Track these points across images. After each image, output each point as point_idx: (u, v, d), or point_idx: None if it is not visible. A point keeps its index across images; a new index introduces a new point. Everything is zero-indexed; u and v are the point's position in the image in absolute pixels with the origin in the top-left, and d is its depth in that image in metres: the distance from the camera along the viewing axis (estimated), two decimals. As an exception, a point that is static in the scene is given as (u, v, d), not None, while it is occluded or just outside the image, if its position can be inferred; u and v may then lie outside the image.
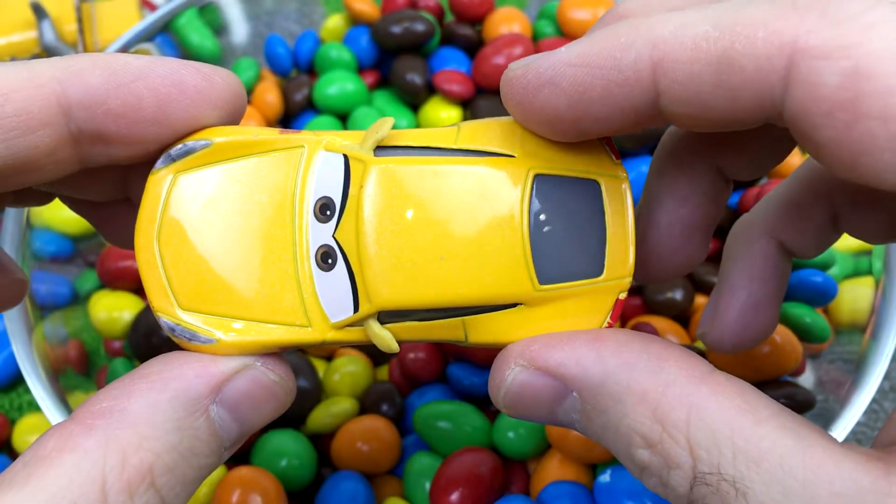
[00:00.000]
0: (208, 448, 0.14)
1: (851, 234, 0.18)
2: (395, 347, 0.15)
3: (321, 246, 0.15)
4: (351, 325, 0.15)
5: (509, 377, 0.15)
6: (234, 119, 0.16)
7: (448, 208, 0.15)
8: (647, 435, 0.13)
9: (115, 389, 0.14)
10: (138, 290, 0.30)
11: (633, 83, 0.13)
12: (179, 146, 0.15)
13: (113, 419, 0.13)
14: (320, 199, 0.15)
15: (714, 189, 0.18)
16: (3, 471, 0.13)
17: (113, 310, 0.28)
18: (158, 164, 0.15)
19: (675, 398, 0.13)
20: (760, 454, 0.13)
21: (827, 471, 0.12)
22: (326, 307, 0.15)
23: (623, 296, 0.16)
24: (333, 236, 0.15)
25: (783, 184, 0.19)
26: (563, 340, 0.15)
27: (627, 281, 0.16)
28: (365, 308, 0.15)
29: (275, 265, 0.15)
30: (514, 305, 0.15)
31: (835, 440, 0.13)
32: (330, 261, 0.15)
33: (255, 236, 0.15)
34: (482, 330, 0.16)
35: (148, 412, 0.14)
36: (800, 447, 0.13)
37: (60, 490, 0.13)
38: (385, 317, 0.15)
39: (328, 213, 0.15)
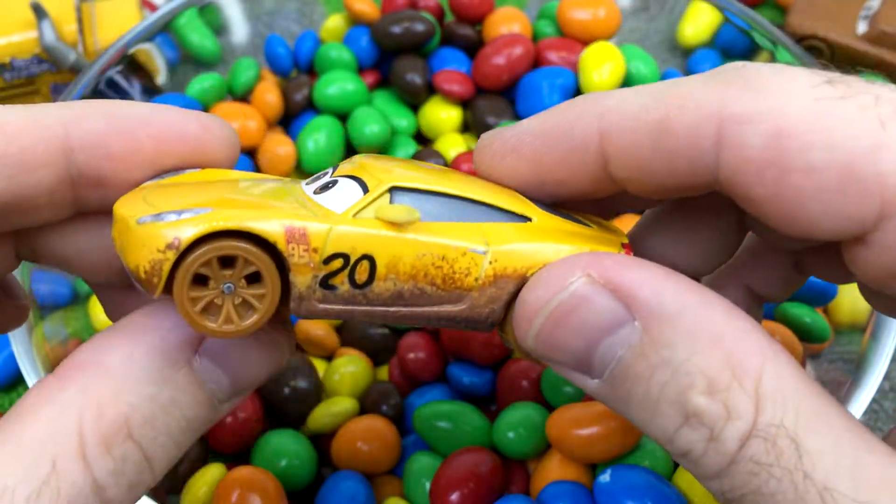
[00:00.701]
0: (194, 400, 0.14)
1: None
2: (416, 214, 0.14)
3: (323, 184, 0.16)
4: (361, 210, 0.14)
5: (571, 286, 0.14)
6: (227, 166, 0.17)
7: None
8: (715, 378, 0.13)
9: (96, 342, 0.14)
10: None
11: (584, 150, 0.15)
12: (169, 173, 0.16)
13: (90, 372, 0.14)
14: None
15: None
16: None
17: (113, 310, 0.28)
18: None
19: (752, 346, 0.13)
20: (823, 422, 0.12)
21: (876, 457, 0.12)
22: (331, 207, 0.15)
23: (626, 242, 0.17)
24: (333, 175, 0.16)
25: (748, 235, 0.19)
26: (641, 264, 0.14)
27: (623, 235, 0.17)
28: (374, 185, 0.15)
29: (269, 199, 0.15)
30: (526, 219, 0.16)
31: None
32: (330, 185, 0.15)
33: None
34: (501, 237, 0.15)
35: (125, 364, 0.14)
36: (853, 428, 0.13)
37: (39, 444, 0.13)
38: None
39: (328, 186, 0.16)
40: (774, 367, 0.13)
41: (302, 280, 0.14)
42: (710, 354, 0.13)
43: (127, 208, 0.14)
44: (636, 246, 0.18)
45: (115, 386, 0.14)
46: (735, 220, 0.17)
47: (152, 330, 0.14)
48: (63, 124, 0.15)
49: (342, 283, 0.14)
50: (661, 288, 0.13)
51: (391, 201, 0.15)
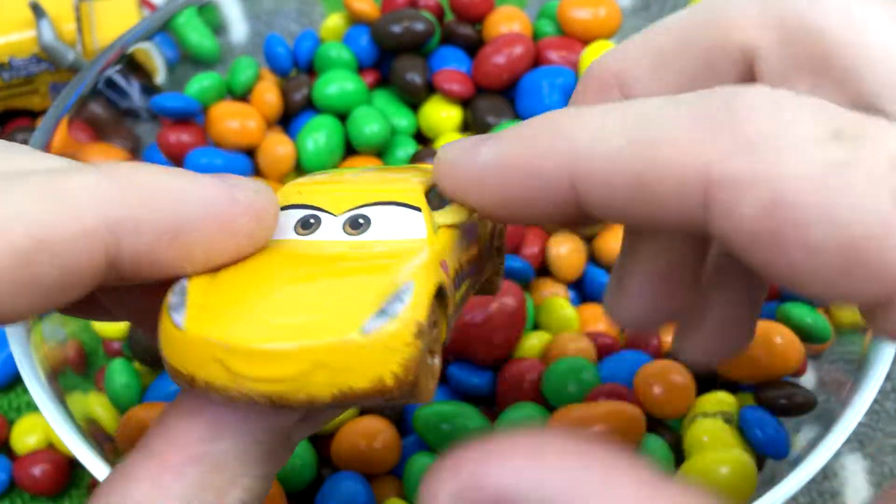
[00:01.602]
0: (285, 461, 0.15)
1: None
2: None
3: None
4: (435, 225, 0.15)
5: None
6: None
7: None
8: None
9: (201, 424, 0.14)
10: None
11: (555, 192, 0.13)
12: None
13: (205, 463, 0.13)
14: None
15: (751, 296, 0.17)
16: None
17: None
18: None
19: None
20: None
21: None
22: (397, 237, 0.15)
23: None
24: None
25: None
26: (498, 449, 0.12)
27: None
28: (407, 198, 0.15)
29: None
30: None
31: None
32: (361, 220, 0.15)
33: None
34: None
35: (239, 452, 0.14)
36: None
37: None
38: None
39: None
40: None
41: (451, 304, 0.14)
42: None
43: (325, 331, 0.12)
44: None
45: (231, 475, 0.14)
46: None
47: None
48: (110, 231, 0.12)
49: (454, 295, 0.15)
50: (528, 478, 0.12)
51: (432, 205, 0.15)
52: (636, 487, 0.11)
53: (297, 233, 0.15)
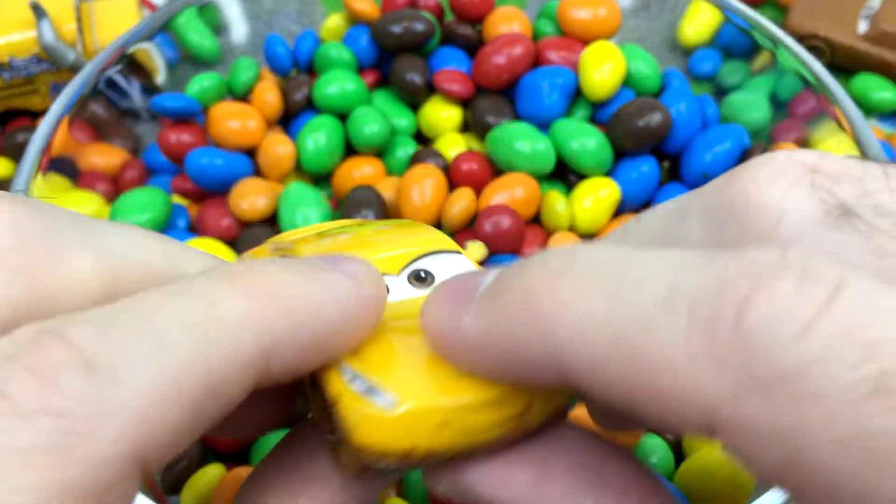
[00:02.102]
0: None
1: None
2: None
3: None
4: None
5: (438, 487, 0.14)
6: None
7: None
8: None
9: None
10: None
11: (546, 376, 0.12)
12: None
13: None
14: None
15: None
16: None
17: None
18: None
19: None
20: None
21: None
22: None
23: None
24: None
25: None
26: (500, 464, 0.13)
27: None
28: (432, 246, 0.16)
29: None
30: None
31: None
32: (423, 275, 0.15)
33: None
34: None
35: None
36: None
37: None
38: None
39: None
40: None
41: None
42: None
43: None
44: None
45: None
46: None
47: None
48: (263, 354, 0.12)
49: None
50: (524, 498, 0.13)
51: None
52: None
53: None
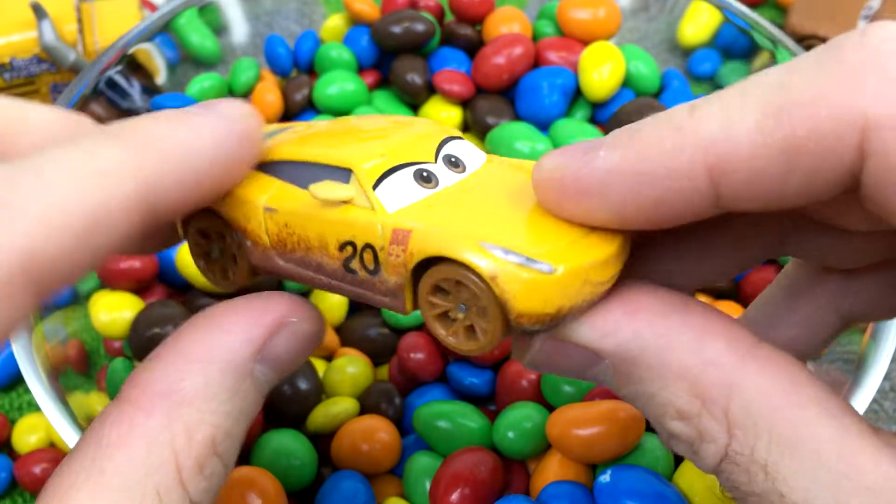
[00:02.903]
0: (255, 404, 0.15)
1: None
2: None
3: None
4: None
5: (536, 344, 0.15)
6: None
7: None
8: (684, 409, 0.13)
9: (166, 366, 0.15)
10: (139, 289, 0.30)
11: (690, 190, 0.13)
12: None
13: (172, 400, 0.14)
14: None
15: (828, 332, 0.17)
16: (69, 465, 0.13)
17: (113, 310, 0.28)
18: None
19: (715, 377, 0.13)
20: (798, 440, 0.12)
21: (862, 463, 0.12)
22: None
23: None
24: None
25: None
26: (595, 310, 0.14)
27: None
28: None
29: None
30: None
31: (875, 430, 0.13)
32: (455, 160, 0.17)
33: None
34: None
35: (203, 389, 0.14)
36: (839, 436, 0.12)
37: (142, 476, 0.13)
38: None
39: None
40: (740, 393, 0.13)
41: None
42: (676, 388, 0.13)
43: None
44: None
45: (198, 410, 0.14)
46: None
47: (222, 348, 0.15)
48: (147, 203, 0.14)
49: None
50: (619, 335, 0.14)
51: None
52: (726, 349, 0.13)
53: (428, 186, 0.16)
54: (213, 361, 0.15)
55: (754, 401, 0.13)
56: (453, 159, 0.16)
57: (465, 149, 0.17)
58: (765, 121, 0.12)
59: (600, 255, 0.14)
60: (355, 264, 0.15)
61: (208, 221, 0.17)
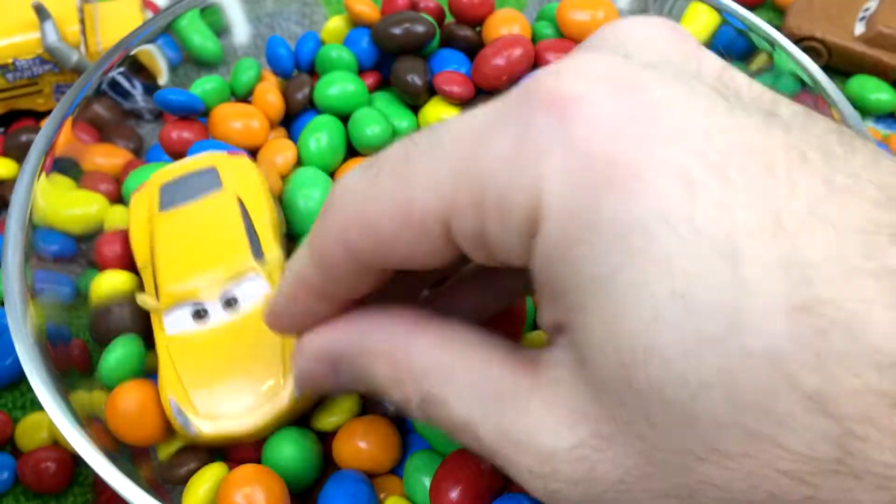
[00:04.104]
0: None
1: None
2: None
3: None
4: None
5: (296, 368, 0.20)
6: None
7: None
8: (392, 377, 0.18)
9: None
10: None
11: (430, 238, 0.16)
12: None
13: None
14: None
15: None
16: None
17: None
18: None
19: (399, 348, 0.18)
20: (451, 371, 0.17)
21: (491, 373, 0.16)
22: None
23: None
24: None
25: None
26: (324, 328, 0.19)
27: None
28: None
29: None
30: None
31: (515, 346, 0.17)
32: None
33: None
34: None
35: None
36: (479, 356, 0.17)
37: None
38: None
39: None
40: (412, 353, 0.18)
41: None
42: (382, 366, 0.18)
43: None
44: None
45: None
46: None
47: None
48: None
49: None
50: (339, 343, 0.19)
51: None
52: (431, 340, 0.17)
53: (197, 323, 0.23)
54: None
55: (420, 354, 0.17)
56: (231, 302, 0.21)
57: (250, 288, 0.23)
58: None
59: (260, 415, 0.22)
60: None
61: None
